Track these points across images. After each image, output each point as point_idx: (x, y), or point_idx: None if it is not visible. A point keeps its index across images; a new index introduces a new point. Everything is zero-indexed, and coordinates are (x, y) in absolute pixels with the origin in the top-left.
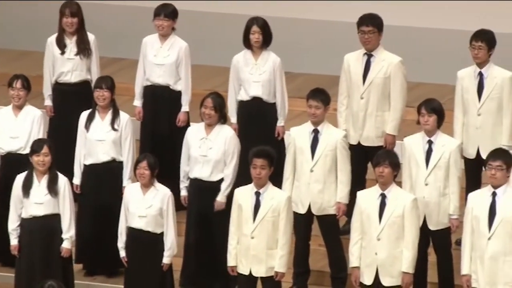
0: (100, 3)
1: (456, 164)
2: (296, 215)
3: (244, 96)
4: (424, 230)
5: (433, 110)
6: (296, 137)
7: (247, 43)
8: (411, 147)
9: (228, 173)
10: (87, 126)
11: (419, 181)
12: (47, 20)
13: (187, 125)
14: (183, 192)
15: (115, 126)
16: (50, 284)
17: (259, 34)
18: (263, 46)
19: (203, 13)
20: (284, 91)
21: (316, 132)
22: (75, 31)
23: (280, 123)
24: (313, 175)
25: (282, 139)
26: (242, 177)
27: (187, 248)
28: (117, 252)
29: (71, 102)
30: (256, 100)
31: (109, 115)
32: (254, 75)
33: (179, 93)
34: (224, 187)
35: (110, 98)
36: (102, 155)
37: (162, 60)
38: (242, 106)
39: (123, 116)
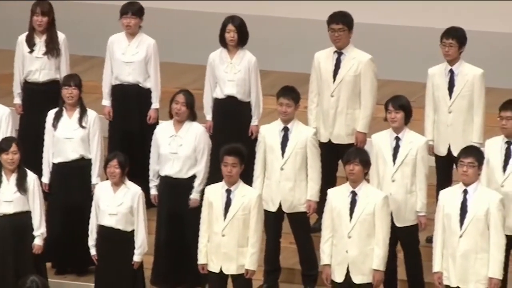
0: (72, 3)
1: (423, 161)
2: (267, 213)
3: (219, 94)
4: (391, 227)
5: (400, 107)
6: (266, 135)
7: (223, 42)
8: (379, 144)
9: (200, 170)
10: (54, 125)
11: (386, 177)
12: (19, 19)
13: (157, 122)
14: (153, 191)
15: (83, 124)
16: (33, 280)
17: (234, 33)
18: (239, 45)
19: (174, 11)
20: (259, 90)
21: (286, 130)
22: (44, 30)
23: (254, 122)
24: (284, 173)
25: (256, 138)
26: (217, 175)
27: (157, 246)
28: (87, 250)
29: (39, 101)
30: (230, 99)
31: (76, 113)
32: (229, 74)
33: (148, 91)
34: (197, 184)
35: (78, 96)
36: (70, 153)
37: (130, 58)
38: (217, 104)
39: (91, 114)
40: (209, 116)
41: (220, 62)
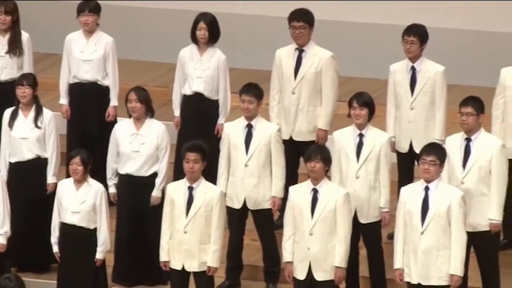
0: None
1: (387, 157)
2: (231, 210)
3: (187, 91)
4: (355, 223)
5: (364, 104)
6: (230, 132)
7: (194, 38)
8: (341, 140)
9: (162, 168)
10: (10, 124)
11: (349, 174)
12: None
13: (116, 120)
14: (112, 189)
15: (39, 124)
16: (7, 277)
17: (205, 30)
18: (210, 42)
19: (134, 8)
20: (227, 89)
21: (249, 127)
22: (8, 28)
23: (220, 120)
24: (248, 170)
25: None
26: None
27: (118, 244)
28: (47, 248)
29: (1, 100)
30: (197, 96)
31: (32, 112)
32: (197, 71)
33: (107, 88)
34: (159, 182)
35: (31, 95)
36: (26, 153)
37: (89, 55)
38: (185, 100)
39: (46, 113)
40: (177, 112)
41: (190, 58)
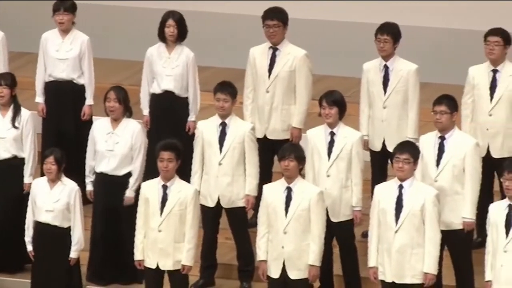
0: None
1: (358, 155)
2: (205, 208)
3: (157, 89)
4: (327, 222)
5: (334, 103)
6: (204, 130)
7: (162, 36)
8: (314, 139)
9: (136, 168)
10: None
11: (321, 172)
12: None
13: (91, 119)
14: (89, 187)
15: (16, 124)
16: None
17: (174, 28)
18: (178, 40)
19: (108, 7)
20: (196, 86)
21: (223, 125)
22: None
23: (191, 118)
24: (222, 168)
25: (193, 134)
26: (154, 171)
27: (93, 243)
28: (21, 248)
29: None
30: (168, 94)
31: (10, 112)
32: (167, 69)
33: (82, 87)
34: (133, 182)
35: (9, 95)
36: (3, 152)
37: (64, 54)
38: (154, 99)
39: (24, 113)
40: (146, 111)
41: (158, 57)
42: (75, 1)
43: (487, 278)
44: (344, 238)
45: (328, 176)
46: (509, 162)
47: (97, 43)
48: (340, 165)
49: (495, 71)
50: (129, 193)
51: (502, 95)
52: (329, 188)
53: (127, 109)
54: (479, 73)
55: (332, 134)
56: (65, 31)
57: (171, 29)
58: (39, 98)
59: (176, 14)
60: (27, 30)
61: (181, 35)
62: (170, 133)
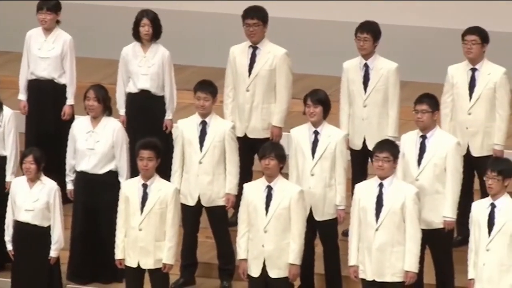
0: None
1: (342, 154)
2: (185, 207)
3: (133, 89)
4: (310, 221)
5: (318, 101)
6: (184, 129)
7: (137, 36)
8: (298, 138)
9: (122, 165)
10: None
11: (305, 171)
12: None
13: (72, 118)
14: (69, 186)
15: None
16: None
17: (149, 27)
18: (153, 39)
19: (90, 6)
20: (172, 84)
21: (204, 123)
22: None
23: (168, 116)
24: (202, 167)
25: (170, 133)
26: (133, 170)
27: (73, 241)
28: (3, 246)
29: None
30: (144, 93)
31: None
32: (142, 68)
33: (63, 86)
34: (124, 180)
35: None
36: None
37: (46, 53)
38: (131, 98)
39: (6, 111)
40: (122, 111)
41: (134, 56)
42: (59, 1)
43: (470, 276)
44: (327, 237)
45: (312, 175)
46: (493, 161)
47: (78, 41)
48: (324, 164)
49: (473, 70)
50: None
51: (481, 93)
52: (313, 187)
53: (106, 107)
54: (458, 72)
55: (316, 133)
56: (48, 30)
57: (145, 28)
58: (22, 96)
59: (150, 13)
60: (8, 29)
61: (156, 34)
62: (147, 132)
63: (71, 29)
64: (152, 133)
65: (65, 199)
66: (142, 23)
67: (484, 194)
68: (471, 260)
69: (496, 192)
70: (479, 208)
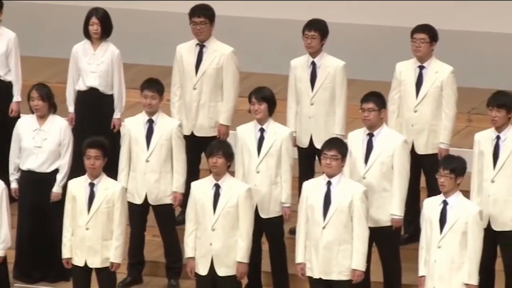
0: None
1: (288, 152)
2: (132, 205)
3: (82, 86)
4: (256, 219)
5: (263, 98)
6: (131, 127)
7: (87, 33)
8: (243, 135)
9: (63, 164)
10: None
11: (251, 169)
12: None
13: (19, 115)
14: (13, 185)
15: None
16: None
17: (97, 25)
18: (103, 37)
19: (36, 4)
20: (122, 83)
21: (151, 122)
22: None
23: (116, 115)
24: (149, 165)
25: (118, 131)
26: (78, 169)
27: (20, 241)
28: None
29: None
30: (92, 91)
31: None
32: (91, 65)
33: (10, 84)
34: (60, 178)
35: None
36: None
37: None
38: (80, 96)
39: None
40: (71, 108)
41: (84, 53)
42: (2, 0)
43: (420, 273)
44: (273, 234)
45: (257, 172)
46: (445, 158)
47: (23, 40)
48: (269, 161)
49: (421, 68)
50: (57, 189)
51: (427, 91)
52: (259, 184)
53: (52, 105)
54: (405, 69)
55: (262, 130)
56: None
57: (94, 27)
58: None
59: (100, 11)
60: None
61: (106, 32)
62: (94, 130)
63: (15, 28)
64: (100, 131)
65: (12, 198)
66: (91, 21)
67: (430, 192)
68: (422, 257)
69: (448, 190)
70: (431, 205)
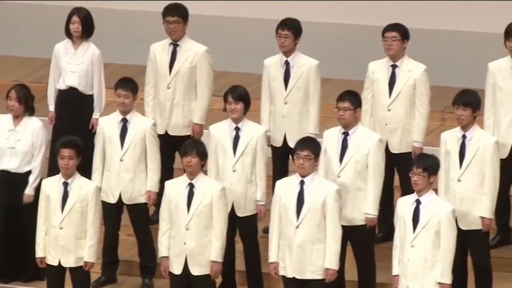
0: None
1: (263, 150)
2: (106, 205)
3: (62, 85)
4: (231, 218)
5: (239, 98)
6: (105, 126)
7: (68, 33)
8: (218, 134)
9: (35, 166)
10: None
11: (226, 168)
12: None
13: None
14: None
15: None
16: None
17: (78, 24)
18: (83, 37)
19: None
20: (102, 83)
21: (124, 121)
22: None
23: (95, 115)
24: (123, 164)
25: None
26: (56, 168)
27: None
28: None
29: None
30: (72, 90)
31: None
32: (72, 65)
33: None
34: (32, 180)
35: None
36: None
37: None
38: (60, 95)
39: None
40: (51, 107)
41: (65, 53)
42: None
43: (394, 272)
44: (247, 233)
45: (234, 171)
46: (419, 157)
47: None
48: (245, 160)
49: (394, 67)
50: (29, 191)
51: (400, 90)
52: (235, 183)
53: (28, 108)
54: (378, 68)
55: (237, 129)
56: None
57: (75, 26)
58: None
59: (82, 10)
60: None
61: (87, 31)
62: (73, 130)
63: None
64: (79, 131)
65: None
66: (72, 20)
67: (404, 191)
68: (395, 256)
69: (421, 189)
70: (404, 204)
